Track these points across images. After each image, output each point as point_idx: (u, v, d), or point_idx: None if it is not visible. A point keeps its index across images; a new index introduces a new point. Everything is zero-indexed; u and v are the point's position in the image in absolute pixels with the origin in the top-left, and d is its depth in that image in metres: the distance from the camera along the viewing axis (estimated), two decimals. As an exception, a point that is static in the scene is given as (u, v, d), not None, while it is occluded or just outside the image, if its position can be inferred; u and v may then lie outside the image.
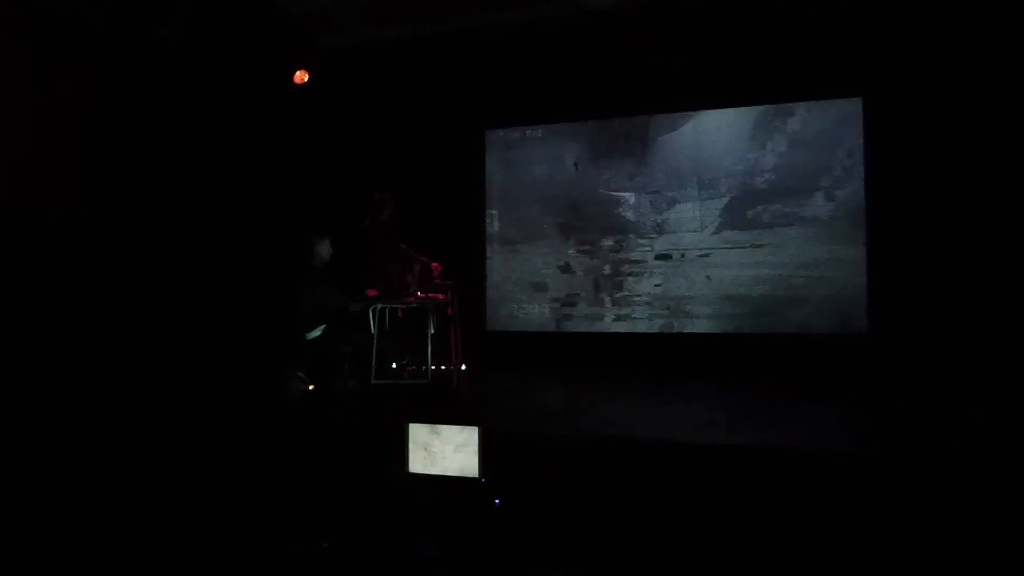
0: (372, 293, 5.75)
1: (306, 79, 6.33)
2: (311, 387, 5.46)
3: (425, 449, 3.65)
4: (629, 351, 6.79)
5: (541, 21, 5.88)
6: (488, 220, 7.40)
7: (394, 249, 5.82)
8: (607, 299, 7.00)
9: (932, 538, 3.16)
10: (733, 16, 5.77)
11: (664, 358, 6.61)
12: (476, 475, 3.55)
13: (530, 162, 7.27)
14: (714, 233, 6.67)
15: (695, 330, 6.69)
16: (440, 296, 5.89)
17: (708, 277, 6.68)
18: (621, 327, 6.94)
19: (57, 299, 5.08)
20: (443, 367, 6.00)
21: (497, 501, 3.54)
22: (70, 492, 3.83)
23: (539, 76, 6.77)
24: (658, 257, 6.86)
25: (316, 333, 5.58)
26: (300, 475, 4.02)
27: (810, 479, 3.62)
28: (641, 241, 6.91)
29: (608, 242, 7.00)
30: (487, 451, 3.56)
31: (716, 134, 6.72)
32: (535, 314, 7.21)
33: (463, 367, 6.06)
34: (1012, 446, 3.72)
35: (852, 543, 3.21)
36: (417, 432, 3.67)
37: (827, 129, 6.38)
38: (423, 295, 5.80)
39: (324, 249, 5.74)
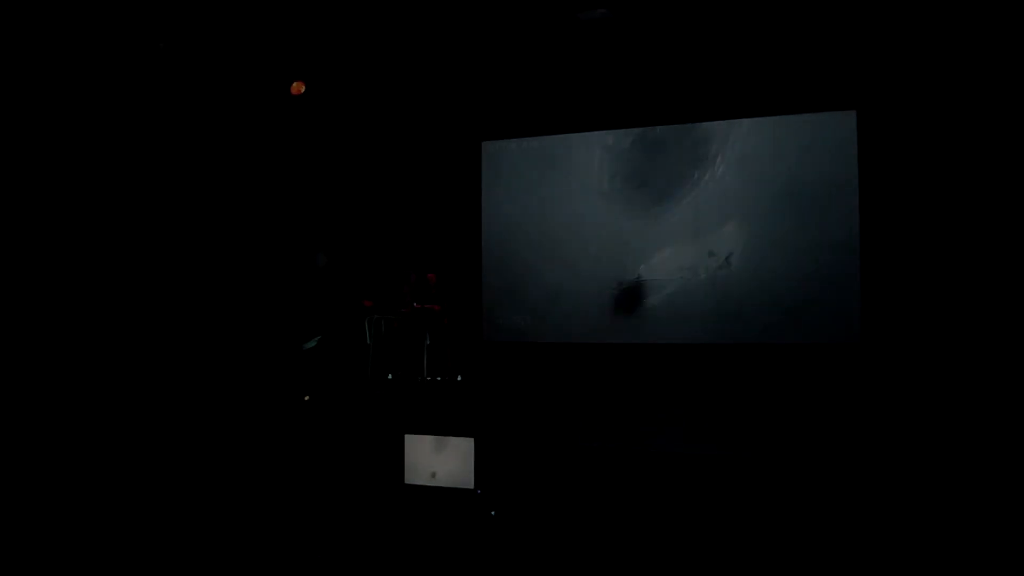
0: (368, 303, 5.76)
1: (303, 90, 6.36)
2: (307, 397, 5.45)
3: (421, 460, 3.66)
4: (627, 362, 6.79)
5: (537, 32, 5.93)
6: (484, 230, 7.41)
7: (392, 261, 5.85)
8: (605, 308, 7.01)
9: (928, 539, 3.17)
10: (729, 29, 5.83)
11: (662, 367, 6.61)
12: (471, 486, 3.56)
13: (526, 173, 7.29)
14: (711, 244, 6.69)
15: (693, 342, 6.70)
16: (436, 307, 5.90)
17: (705, 288, 6.70)
18: (619, 338, 6.94)
19: (56, 303, 5.08)
20: (439, 378, 6.00)
21: (492, 512, 3.54)
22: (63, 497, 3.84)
23: (536, 87, 6.82)
24: (656, 269, 6.87)
25: (312, 343, 5.59)
26: (296, 484, 4.01)
27: (807, 485, 3.63)
28: (638, 251, 6.92)
29: (605, 252, 7.02)
30: (482, 462, 3.56)
31: (712, 145, 6.75)
32: (532, 324, 7.21)
33: (459, 378, 6.06)
34: (1006, 452, 3.74)
35: (850, 545, 3.22)
36: (413, 443, 3.68)
37: (821, 141, 6.42)
38: (419, 306, 5.81)
39: (320, 260, 5.76)
